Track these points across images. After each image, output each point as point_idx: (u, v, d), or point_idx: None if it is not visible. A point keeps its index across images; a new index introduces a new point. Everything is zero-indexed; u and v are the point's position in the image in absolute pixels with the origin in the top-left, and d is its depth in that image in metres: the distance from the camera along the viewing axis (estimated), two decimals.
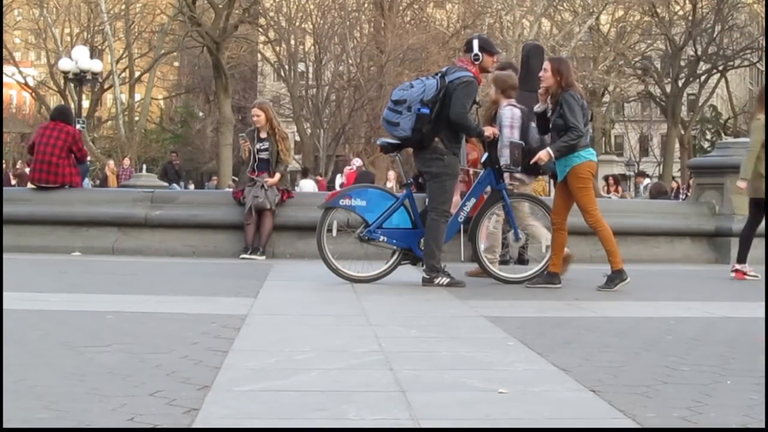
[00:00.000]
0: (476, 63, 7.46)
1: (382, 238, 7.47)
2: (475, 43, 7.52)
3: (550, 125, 7.36)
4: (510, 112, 8.13)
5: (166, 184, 20.99)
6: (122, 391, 3.15)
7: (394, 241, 7.50)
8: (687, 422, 2.89)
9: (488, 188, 7.84)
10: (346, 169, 24.30)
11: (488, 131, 7.61)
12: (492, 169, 7.68)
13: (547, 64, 7.40)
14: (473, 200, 7.77)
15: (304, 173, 27.78)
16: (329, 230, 7.68)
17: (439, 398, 3.09)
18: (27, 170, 17.41)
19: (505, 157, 7.78)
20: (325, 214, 7.60)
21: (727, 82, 46.78)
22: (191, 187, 35.29)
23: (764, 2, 37.25)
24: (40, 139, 10.79)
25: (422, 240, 7.41)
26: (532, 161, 7.35)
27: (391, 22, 35.13)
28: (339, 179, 25.65)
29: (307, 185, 23.27)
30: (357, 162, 24.32)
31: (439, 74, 7.48)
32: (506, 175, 7.90)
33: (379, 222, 7.44)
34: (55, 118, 11.18)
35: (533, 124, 7.86)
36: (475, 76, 7.39)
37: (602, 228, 7.30)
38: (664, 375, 3.61)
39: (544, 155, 7.22)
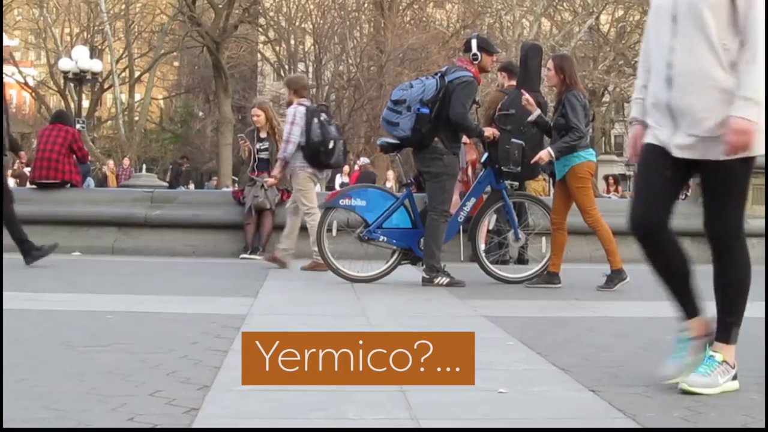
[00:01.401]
0: (475, 63, 7.47)
1: (381, 237, 7.47)
2: (474, 43, 7.53)
3: (552, 125, 7.36)
4: (293, 110, 8.67)
5: (166, 184, 20.98)
6: (122, 391, 3.15)
7: (394, 240, 7.50)
8: (687, 422, 2.89)
9: (488, 188, 7.86)
10: (345, 168, 24.22)
11: (488, 131, 7.62)
12: (492, 168, 7.68)
13: (550, 63, 7.41)
14: (473, 200, 7.78)
15: None
16: (329, 230, 7.69)
17: (439, 398, 3.10)
18: (26, 170, 17.41)
19: (287, 152, 8.61)
20: (325, 213, 7.61)
21: None
22: (191, 187, 35.27)
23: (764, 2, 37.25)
24: (40, 139, 10.91)
25: (422, 240, 7.41)
26: (532, 161, 7.35)
27: (391, 22, 35.12)
28: (339, 179, 25.62)
29: None
30: (362, 160, 24.26)
31: (439, 74, 7.48)
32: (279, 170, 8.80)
33: (379, 222, 7.44)
34: (55, 121, 11.31)
35: (316, 120, 8.52)
36: (474, 75, 7.39)
37: (601, 228, 7.30)
38: None
39: (544, 155, 7.22)
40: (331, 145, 8.59)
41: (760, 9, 3.21)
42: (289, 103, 9.04)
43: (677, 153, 3.37)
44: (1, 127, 8.19)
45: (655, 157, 3.44)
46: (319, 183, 9.12)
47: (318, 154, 8.62)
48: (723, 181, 3.41)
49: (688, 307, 3.55)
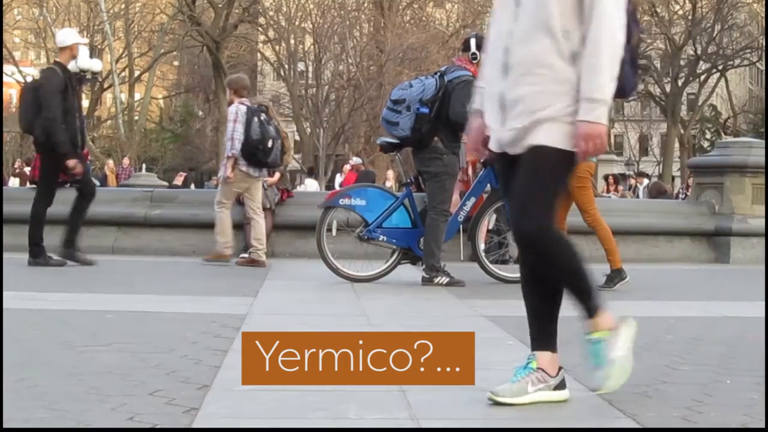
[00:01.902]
0: (474, 62, 7.47)
1: (381, 237, 7.47)
2: (473, 42, 7.53)
3: None
4: (235, 108, 9.03)
5: (166, 183, 21.00)
6: (122, 391, 3.15)
7: (394, 240, 7.50)
8: (687, 422, 2.89)
9: (488, 187, 7.85)
10: (345, 168, 24.24)
11: None
12: (492, 168, 7.68)
13: None
14: (473, 200, 7.78)
15: (310, 172, 27.81)
16: (329, 230, 7.70)
17: (439, 398, 3.09)
18: (27, 170, 17.41)
19: (235, 149, 8.87)
20: (324, 213, 7.61)
21: (726, 81, 46.75)
22: (191, 186, 35.27)
23: (764, 2, 37.23)
24: None
25: (422, 239, 7.41)
26: None
27: (390, 21, 35.12)
28: (339, 179, 25.63)
29: (312, 185, 23.27)
30: (354, 160, 24.25)
31: (438, 74, 7.48)
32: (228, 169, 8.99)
33: (379, 221, 7.44)
34: None
35: (256, 119, 8.90)
36: (473, 75, 7.39)
37: (601, 227, 7.30)
38: (664, 375, 3.61)
39: None
40: (269, 143, 8.96)
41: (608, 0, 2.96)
42: (230, 103, 9.34)
43: (504, 148, 3.10)
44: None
45: (500, 163, 3.19)
46: (255, 183, 9.27)
47: (256, 152, 8.96)
48: (530, 166, 3.05)
49: (541, 336, 3.21)
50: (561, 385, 3.14)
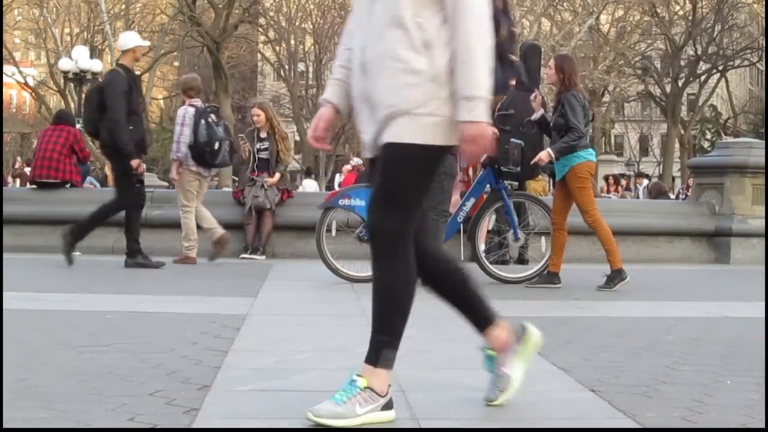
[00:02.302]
0: None
1: None
2: None
3: (551, 125, 7.37)
4: (183, 111, 9.26)
5: (167, 184, 20.99)
6: (122, 391, 3.15)
7: None
8: (687, 422, 2.89)
9: (488, 188, 7.85)
10: (345, 168, 24.22)
11: None
12: (492, 169, 7.68)
13: (551, 62, 7.43)
14: (473, 200, 7.78)
15: (308, 173, 27.82)
16: (329, 230, 7.69)
17: (439, 398, 3.09)
18: (27, 170, 17.42)
19: (180, 153, 9.14)
20: (324, 213, 7.61)
21: (727, 82, 46.74)
22: None
23: (764, 2, 37.23)
24: (41, 140, 10.96)
25: None
26: (532, 162, 7.35)
27: None
28: (338, 179, 25.64)
29: (310, 185, 23.25)
30: (354, 161, 24.24)
31: None
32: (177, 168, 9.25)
33: None
34: (56, 122, 11.36)
35: (203, 121, 9.04)
36: None
37: (601, 228, 7.30)
38: (664, 375, 3.61)
39: (544, 156, 7.23)
40: (216, 145, 9.11)
41: None
42: (183, 103, 9.50)
43: (373, 152, 2.90)
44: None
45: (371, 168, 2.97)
46: (204, 181, 9.48)
47: (204, 155, 9.14)
48: (383, 166, 2.84)
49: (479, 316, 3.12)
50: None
